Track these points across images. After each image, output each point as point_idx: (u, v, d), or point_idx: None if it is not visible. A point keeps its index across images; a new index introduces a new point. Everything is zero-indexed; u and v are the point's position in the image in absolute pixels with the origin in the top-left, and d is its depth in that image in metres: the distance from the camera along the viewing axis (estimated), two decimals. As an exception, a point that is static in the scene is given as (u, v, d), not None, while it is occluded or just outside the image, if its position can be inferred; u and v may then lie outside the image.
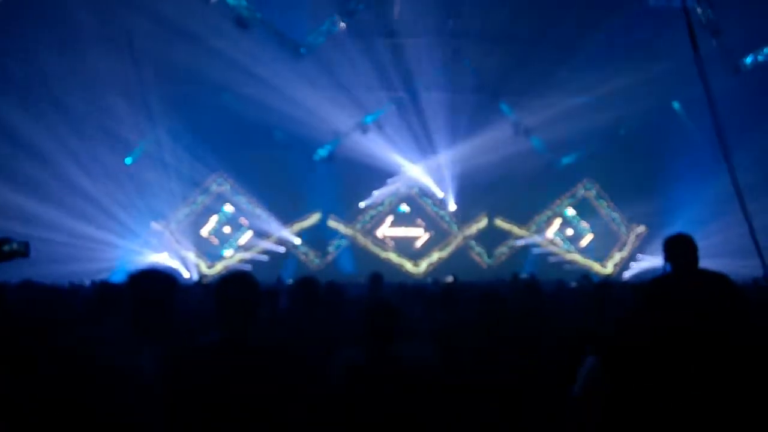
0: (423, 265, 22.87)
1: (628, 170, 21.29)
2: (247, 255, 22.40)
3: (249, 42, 17.88)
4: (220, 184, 22.45)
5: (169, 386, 2.30)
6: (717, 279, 3.50)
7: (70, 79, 17.09)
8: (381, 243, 23.14)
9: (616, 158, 21.63)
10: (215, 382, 2.21)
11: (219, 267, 21.93)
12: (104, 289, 3.55)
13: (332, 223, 22.80)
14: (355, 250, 22.97)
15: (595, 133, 21.22)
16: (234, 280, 2.59)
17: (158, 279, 2.91)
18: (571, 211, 23.74)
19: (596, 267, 22.97)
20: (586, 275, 17.37)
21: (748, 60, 19.73)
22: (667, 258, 3.74)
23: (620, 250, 23.33)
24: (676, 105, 21.28)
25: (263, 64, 18.26)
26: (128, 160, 20.67)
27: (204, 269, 21.72)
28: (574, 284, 12.13)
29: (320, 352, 3.14)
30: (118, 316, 3.29)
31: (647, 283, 4.47)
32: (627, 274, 22.26)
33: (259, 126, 20.23)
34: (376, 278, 6.89)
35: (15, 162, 17.44)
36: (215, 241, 22.47)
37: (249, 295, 2.53)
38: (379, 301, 2.75)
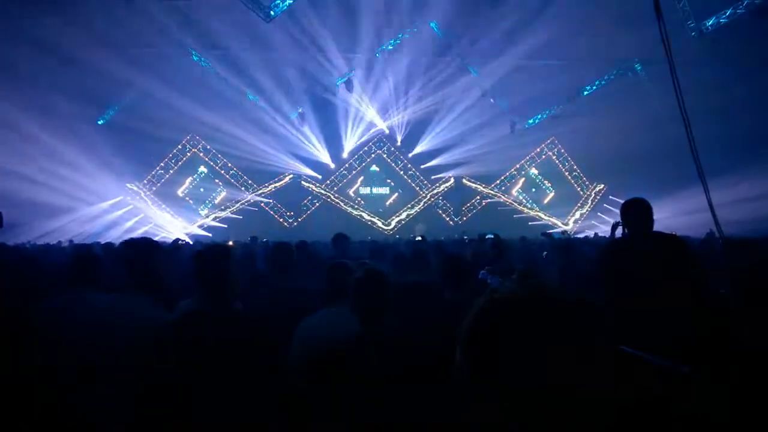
0: (392, 223, 23.62)
1: (590, 131, 21.75)
2: (222, 214, 22.77)
3: (218, 3, 17.74)
4: (194, 145, 22.53)
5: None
6: (669, 241, 3.79)
7: (39, 40, 16.80)
8: (352, 202, 23.71)
9: (578, 119, 22.13)
10: (193, 354, 2.20)
11: (195, 227, 22.33)
12: (82, 254, 3.50)
13: (305, 183, 23.22)
14: (327, 208, 23.54)
15: (560, 95, 21.86)
16: (210, 253, 2.67)
17: (148, 247, 3.00)
18: (534, 171, 24.64)
19: (558, 223, 23.98)
20: (546, 232, 18.23)
21: (710, 22, 20.25)
22: (623, 221, 3.89)
23: (581, 207, 24.39)
24: (637, 67, 21.77)
25: (233, 26, 18.20)
26: (100, 121, 20.57)
27: (180, 229, 22.02)
28: (545, 254, 12.57)
29: (295, 317, 3.12)
30: (96, 281, 3.32)
31: (603, 246, 4.74)
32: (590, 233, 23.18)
33: (232, 88, 20.32)
34: (340, 239, 6.97)
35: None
36: (190, 201, 22.77)
37: (225, 268, 2.60)
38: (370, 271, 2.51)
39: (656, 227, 3.86)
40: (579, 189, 24.48)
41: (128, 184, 21.51)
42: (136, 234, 20.05)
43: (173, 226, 21.77)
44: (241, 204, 22.85)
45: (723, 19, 19.88)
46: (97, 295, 3.13)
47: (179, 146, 22.49)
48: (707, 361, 1.88)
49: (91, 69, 18.03)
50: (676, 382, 1.72)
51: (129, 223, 21.14)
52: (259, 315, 2.87)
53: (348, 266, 3.19)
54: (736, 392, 1.72)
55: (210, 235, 21.53)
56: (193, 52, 19.83)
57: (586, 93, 22.23)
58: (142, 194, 21.84)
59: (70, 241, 16.33)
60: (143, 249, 2.95)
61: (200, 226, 22.35)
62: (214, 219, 22.64)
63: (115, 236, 19.11)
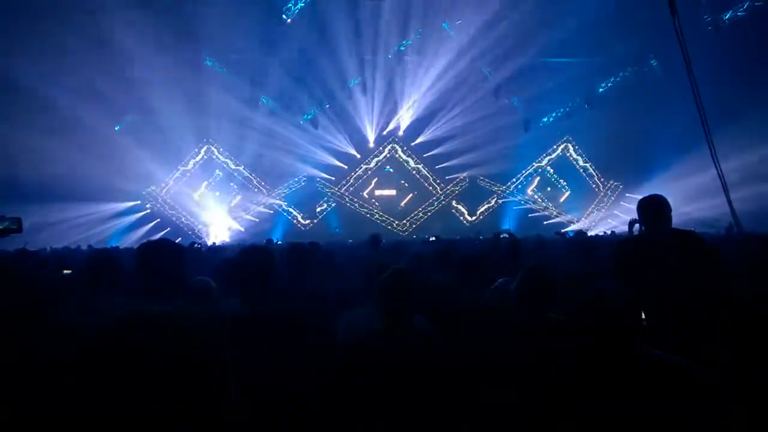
0: (407, 224, 23.61)
1: (605, 128, 21.60)
2: (238, 218, 22.92)
3: (232, 8, 17.90)
4: (209, 150, 22.73)
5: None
6: (687, 238, 3.67)
7: (57, 49, 17.07)
8: (367, 203, 23.75)
9: (593, 116, 22.01)
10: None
11: (212, 230, 22.52)
12: (97, 258, 3.42)
13: (319, 186, 23.31)
14: (341, 210, 23.60)
15: (574, 93, 21.73)
16: (154, 248, 2.74)
17: (168, 250, 3.03)
18: (549, 169, 24.50)
19: (574, 222, 23.78)
20: (560, 231, 18.16)
21: (728, 15, 19.89)
22: (640, 219, 3.78)
23: (596, 205, 24.19)
24: (653, 62, 21.46)
25: (247, 31, 18.35)
26: (118, 127, 20.85)
27: (197, 233, 22.28)
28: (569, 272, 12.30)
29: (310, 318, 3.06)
30: (113, 285, 3.26)
31: (617, 244, 4.60)
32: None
33: (246, 92, 20.56)
34: (375, 239, 7.23)
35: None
36: (206, 205, 22.89)
37: (171, 263, 2.70)
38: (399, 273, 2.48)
39: (675, 222, 3.75)
40: (595, 187, 24.29)
41: (145, 189, 21.76)
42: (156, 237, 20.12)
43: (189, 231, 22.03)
44: (257, 207, 22.96)
45: (741, 12, 19.62)
46: (111, 298, 3.09)
47: (195, 151, 22.62)
48: (725, 360, 1.88)
49: (109, 75, 18.36)
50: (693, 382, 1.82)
51: (146, 227, 21.43)
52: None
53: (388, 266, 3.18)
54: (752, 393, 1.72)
55: (227, 240, 21.74)
56: (207, 58, 20.08)
57: (601, 90, 22.08)
58: (159, 199, 22.07)
59: (89, 245, 16.53)
60: (160, 251, 2.96)
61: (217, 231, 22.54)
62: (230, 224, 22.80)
63: (133, 240, 19.43)
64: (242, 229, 22.47)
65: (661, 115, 19.99)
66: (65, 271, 5.90)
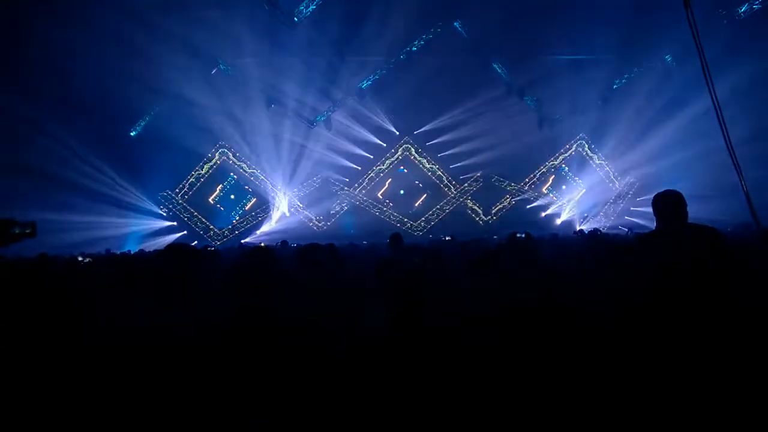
0: (422, 224, 23.57)
1: (620, 125, 21.54)
2: (252, 220, 23.08)
3: (243, 12, 17.98)
4: (223, 153, 22.87)
5: None
6: (704, 233, 3.59)
7: (70, 54, 17.26)
8: (381, 204, 23.75)
9: (608, 114, 21.89)
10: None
11: (226, 233, 22.71)
12: (119, 263, 3.43)
13: (333, 187, 23.36)
14: (356, 211, 23.67)
15: (589, 90, 21.55)
16: (172, 251, 2.88)
17: (183, 254, 3.15)
18: (564, 167, 24.31)
19: (590, 220, 23.52)
20: (578, 230, 18.04)
21: (743, 9, 19.63)
22: (655, 214, 3.74)
23: (613, 202, 23.97)
24: (668, 58, 21.23)
25: (258, 34, 18.44)
26: (133, 132, 21.06)
27: (212, 236, 22.49)
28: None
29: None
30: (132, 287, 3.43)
31: (635, 239, 4.56)
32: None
33: (258, 95, 20.65)
34: (396, 239, 7.06)
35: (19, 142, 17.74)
36: (222, 208, 23.14)
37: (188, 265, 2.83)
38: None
39: (691, 218, 3.67)
40: (610, 184, 24.05)
41: (161, 193, 22.00)
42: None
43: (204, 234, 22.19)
44: (271, 209, 23.08)
45: (756, 5, 19.36)
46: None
47: (209, 154, 22.79)
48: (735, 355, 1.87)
49: (123, 80, 18.54)
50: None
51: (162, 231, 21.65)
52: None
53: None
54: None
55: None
56: (220, 62, 20.19)
57: (615, 87, 21.89)
58: (175, 202, 22.28)
59: (107, 249, 16.68)
60: (178, 254, 3.03)
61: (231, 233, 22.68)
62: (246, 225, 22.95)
63: (151, 245, 19.61)
64: (257, 232, 22.58)
65: (676, 111, 19.78)
66: (85, 259, 5.99)
